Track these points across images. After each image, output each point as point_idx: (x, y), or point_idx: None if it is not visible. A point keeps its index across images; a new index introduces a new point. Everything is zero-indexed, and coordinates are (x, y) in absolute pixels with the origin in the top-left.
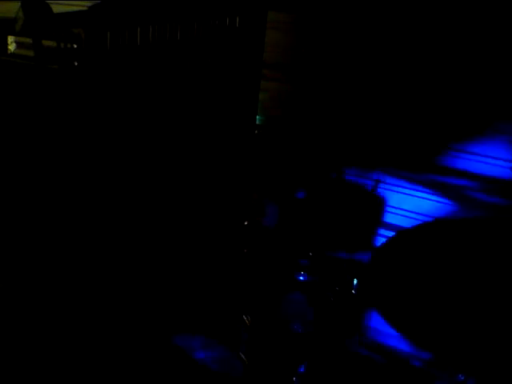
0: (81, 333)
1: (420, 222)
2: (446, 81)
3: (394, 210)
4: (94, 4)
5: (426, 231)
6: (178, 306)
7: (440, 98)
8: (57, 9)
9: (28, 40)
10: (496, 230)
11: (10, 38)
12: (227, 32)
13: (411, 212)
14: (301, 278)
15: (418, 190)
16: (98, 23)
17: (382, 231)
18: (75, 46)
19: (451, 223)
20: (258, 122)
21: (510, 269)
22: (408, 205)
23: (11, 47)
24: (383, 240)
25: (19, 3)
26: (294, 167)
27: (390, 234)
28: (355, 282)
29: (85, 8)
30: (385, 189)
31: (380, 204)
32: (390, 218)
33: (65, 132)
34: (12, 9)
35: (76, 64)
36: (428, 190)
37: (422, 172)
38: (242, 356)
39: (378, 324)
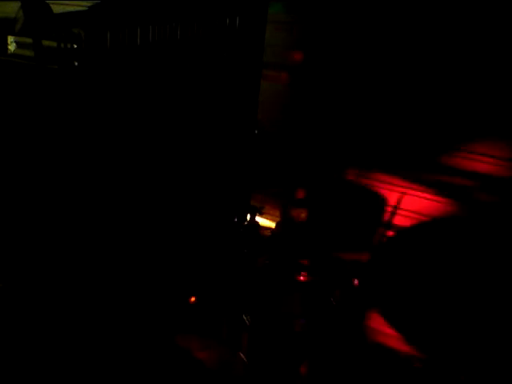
0: (81, 333)
1: (419, 222)
2: (447, 82)
3: (394, 210)
4: (93, 4)
5: (426, 231)
6: (178, 305)
7: (440, 99)
8: (57, 9)
9: (28, 40)
10: (494, 230)
11: (10, 38)
12: (227, 32)
13: (411, 212)
14: (301, 277)
15: (417, 190)
16: (98, 23)
17: (382, 231)
18: (75, 46)
19: (450, 223)
20: (257, 122)
21: (508, 268)
22: (408, 205)
23: (11, 47)
24: (383, 240)
25: (19, 3)
26: (295, 167)
27: (390, 233)
28: (355, 281)
29: (85, 8)
30: (385, 189)
31: (380, 204)
32: (390, 218)
33: (65, 131)
34: (12, 9)
35: (76, 64)
36: (428, 190)
37: (423, 172)
38: (242, 356)
39: (379, 324)
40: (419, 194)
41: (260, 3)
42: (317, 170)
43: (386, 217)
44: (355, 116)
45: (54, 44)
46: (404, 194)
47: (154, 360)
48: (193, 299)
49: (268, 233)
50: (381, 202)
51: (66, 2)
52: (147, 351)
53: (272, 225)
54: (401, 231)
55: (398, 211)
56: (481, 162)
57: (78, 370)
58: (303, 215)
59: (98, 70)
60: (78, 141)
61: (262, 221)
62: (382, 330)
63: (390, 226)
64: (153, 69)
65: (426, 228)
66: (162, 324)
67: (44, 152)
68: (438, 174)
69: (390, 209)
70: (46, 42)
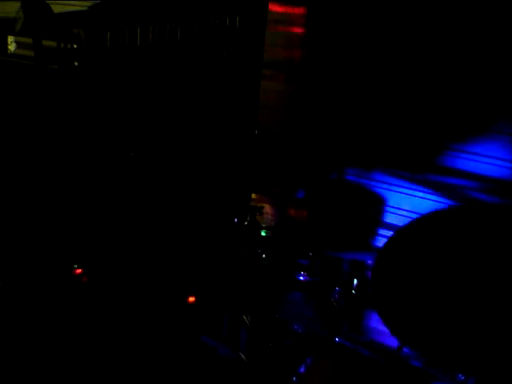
0: (81, 333)
1: (417, 218)
2: (446, 81)
3: (394, 210)
4: (93, 4)
5: (426, 227)
6: (178, 305)
7: (439, 98)
8: (57, 9)
9: (28, 40)
10: (497, 220)
11: (10, 38)
12: (227, 32)
13: (411, 212)
14: (301, 278)
15: (417, 190)
16: (98, 23)
17: (382, 231)
18: (75, 46)
19: (450, 216)
20: (257, 122)
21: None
22: (408, 205)
23: (11, 47)
24: (383, 240)
25: (19, 3)
26: (295, 167)
27: (390, 234)
28: (355, 282)
29: (85, 8)
30: (385, 189)
31: (380, 204)
32: (390, 218)
33: (65, 131)
34: (12, 9)
35: (76, 64)
36: (428, 190)
37: (422, 172)
38: (242, 356)
39: (378, 324)
40: (420, 194)
41: (260, 3)
42: (317, 169)
43: (386, 217)
44: (355, 116)
45: (54, 44)
46: (404, 194)
47: (153, 359)
48: (192, 299)
49: (268, 233)
50: (381, 202)
51: (66, 2)
52: (146, 350)
53: (272, 225)
54: (400, 230)
55: (398, 211)
56: (481, 162)
57: (78, 369)
58: (303, 215)
59: (97, 70)
60: (78, 140)
61: (262, 221)
62: (382, 329)
63: (390, 226)
64: (153, 69)
65: (425, 224)
66: (161, 322)
67: (44, 152)
68: (438, 173)
69: (390, 209)
70: (46, 42)
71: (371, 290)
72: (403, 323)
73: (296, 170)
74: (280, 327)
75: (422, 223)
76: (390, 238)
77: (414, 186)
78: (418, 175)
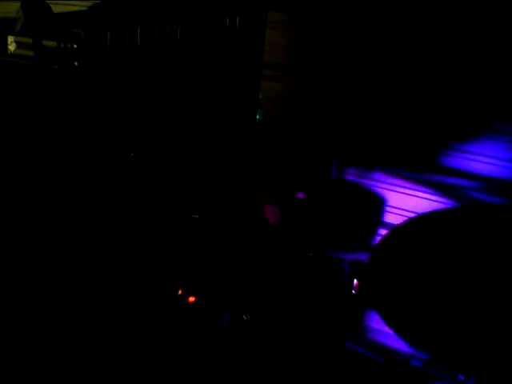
0: (81, 332)
1: (414, 216)
2: (446, 80)
3: (394, 210)
4: (93, 4)
5: (422, 225)
6: (178, 304)
7: (439, 97)
8: (57, 9)
9: (28, 40)
10: (495, 219)
11: (10, 38)
12: (227, 32)
13: (411, 212)
14: (301, 278)
15: (418, 190)
16: (98, 23)
17: (382, 231)
18: (75, 46)
19: (447, 215)
20: (257, 122)
21: (510, 263)
22: (408, 205)
23: (11, 47)
24: (382, 239)
25: (19, 3)
26: (294, 167)
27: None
28: (355, 281)
29: (85, 8)
30: (385, 189)
31: (380, 204)
32: (390, 218)
33: (65, 132)
34: (12, 9)
35: (76, 64)
36: (428, 190)
37: (422, 172)
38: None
39: (378, 324)
40: (420, 194)
41: (260, 3)
42: (317, 169)
43: (386, 217)
44: (355, 116)
45: (54, 44)
46: (404, 194)
47: (154, 359)
48: (192, 299)
49: (267, 232)
50: (381, 202)
51: (66, 1)
52: (147, 350)
53: (272, 225)
54: (396, 228)
55: (398, 211)
56: (481, 162)
57: (78, 369)
58: (302, 215)
59: (97, 70)
60: (78, 141)
61: (260, 220)
62: (383, 329)
63: (389, 226)
64: (153, 68)
65: (422, 222)
66: (161, 322)
67: (44, 152)
68: (437, 173)
69: (389, 209)
70: (46, 42)
71: (369, 287)
72: (402, 320)
73: (296, 169)
74: (280, 327)
75: (419, 222)
76: (384, 236)
77: (414, 186)
78: (418, 175)
